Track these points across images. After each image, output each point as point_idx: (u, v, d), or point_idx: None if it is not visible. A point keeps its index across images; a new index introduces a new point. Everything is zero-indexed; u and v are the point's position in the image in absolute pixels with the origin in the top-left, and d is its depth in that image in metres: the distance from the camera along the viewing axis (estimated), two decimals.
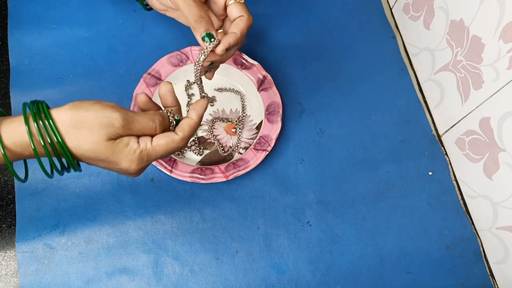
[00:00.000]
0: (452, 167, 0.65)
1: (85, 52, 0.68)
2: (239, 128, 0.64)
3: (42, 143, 0.38)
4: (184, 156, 0.62)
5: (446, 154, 0.66)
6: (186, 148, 0.63)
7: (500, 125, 0.53)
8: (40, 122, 0.37)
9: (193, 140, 0.63)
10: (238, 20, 0.50)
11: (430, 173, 0.64)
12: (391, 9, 0.76)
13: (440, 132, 0.67)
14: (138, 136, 0.41)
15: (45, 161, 0.40)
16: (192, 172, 0.59)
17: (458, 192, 0.64)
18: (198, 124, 0.44)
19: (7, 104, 0.64)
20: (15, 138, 0.38)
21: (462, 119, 0.61)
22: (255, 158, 0.61)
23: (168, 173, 0.59)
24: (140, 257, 0.57)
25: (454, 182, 0.64)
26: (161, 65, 0.65)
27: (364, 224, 0.61)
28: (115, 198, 0.60)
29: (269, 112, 0.64)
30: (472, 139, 0.59)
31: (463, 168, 0.63)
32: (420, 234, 0.61)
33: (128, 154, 0.40)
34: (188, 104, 0.66)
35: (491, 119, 0.55)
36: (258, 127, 0.64)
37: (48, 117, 0.37)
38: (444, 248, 0.60)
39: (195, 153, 0.63)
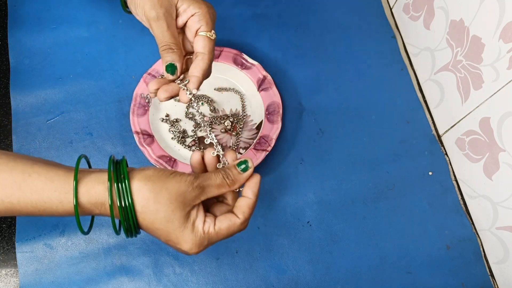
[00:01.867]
0: (452, 167, 0.65)
1: (85, 52, 0.68)
2: (239, 127, 0.64)
3: (118, 205, 0.38)
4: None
5: (446, 154, 0.66)
6: (186, 147, 0.63)
7: (500, 125, 0.53)
8: (119, 185, 0.38)
9: (193, 140, 0.63)
10: (199, 58, 0.47)
11: (430, 173, 0.64)
12: (391, 9, 0.76)
13: (440, 132, 0.67)
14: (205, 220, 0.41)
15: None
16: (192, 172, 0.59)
17: (458, 192, 0.64)
18: (256, 202, 0.44)
19: (7, 104, 0.64)
20: (91, 196, 0.38)
21: (462, 119, 0.61)
22: (255, 158, 0.61)
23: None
24: (140, 257, 0.57)
25: (454, 182, 0.64)
26: (161, 65, 0.65)
27: (364, 224, 0.61)
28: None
29: (269, 112, 0.64)
30: (472, 139, 0.59)
31: (463, 168, 0.63)
32: (420, 234, 0.61)
33: (191, 237, 0.40)
34: (188, 106, 0.66)
35: (491, 119, 0.55)
36: (258, 127, 0.64)
37: (127, 181, 0.38)
38: (444, 248, 0.60)
39: None
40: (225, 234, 0.42)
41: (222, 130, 0.64)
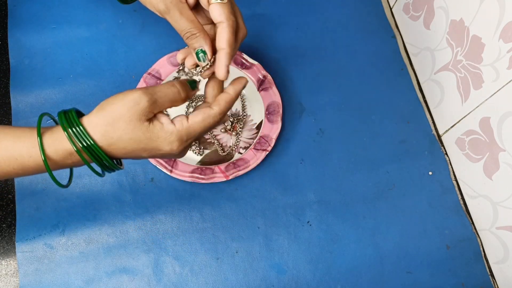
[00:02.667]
0: (452, 167, 0.65)
1: (85, 52, 0.68)
2: (239, 127, 0.64)
3: (75, 149, 0.38)
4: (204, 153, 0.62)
5: (446, 154, 0.66)
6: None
7: (500, 125, 0.53)
8: (73, 130, 0.38)
9: None
10: (219, 29, 0.44)
11: (430, 173, 0.64)
12: (391, 9, 0.76)
13: (440, 132, 0.67)
14: (172, 119, 0.42)
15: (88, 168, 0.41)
16: (192, 172, 0.59)
17: (458, 192, 0.64)
18: (235, 100, 0.43)
19: (7, 104, 0.64)
20: (57, 147, 0.39)
21: (462, 119, 0.61)
22: (255, 158, 0.61)
23: (168, 173, 0.59)
24: (140, 257, 0.57)
25: (454, 182, 0.64)
26: (161, 65, 0.65)
27: (364, 224, 0.61)
28: (115, 198, 0.60)
29: (269, 112, 0.64)
30: (472, 139, 0.59)
31: (463, 168, 0.63)
32: (420, 234, 0.61)
33: (166, 137, 0.40)
34: (188, 105, 0.66)
35: (491, 119, 0.55)
36: (258, 127, 0.64)
37: (78, 123, 0.38)
38: (444, 248, 0.60)
39: (195, 153, 0.63)
40: (201, 126, 0.42)
41: (222, 130, 0.64)
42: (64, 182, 0.43)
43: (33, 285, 0.55)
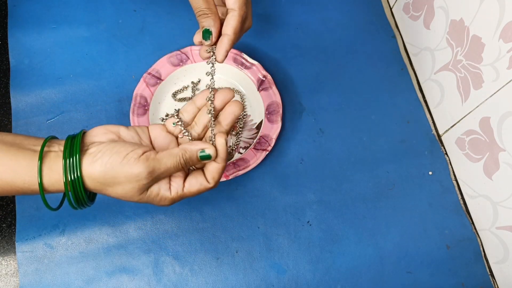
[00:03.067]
0: (452, 167, 0.65)
1: (85, 52, 0.68)
2: (239, 127, 0.64)
3: (64, 180, 0.40)
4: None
5: (446, 153, 0.66)
6: None
7: (500, 124, 0.53)
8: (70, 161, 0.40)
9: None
10: (230, 15, 0.46)
11: (430, 173, 0.64)
12: (391, 9, 0.76)
13: (440, 132, 0.67)
14: (170, 178, 0.44)
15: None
16: None
17: (458, 192, 0.64)
18: (225, 167, 0.45)
19: (7, 104, 0.64)
20: (51, 177, 0.40)
21: (462, 118, 0.61)
22: (255, 158, 0.61)
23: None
24: (140, 257, 0.57)
25: (454, 182, 0.64)
26: (161, 65, 0.65)
27: (364, 224, 0.61)
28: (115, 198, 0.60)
29: (269, 111, 0.64)
30: (472, 139, 0.59)
31: (463, 167, 0.63)
32: (420, 234, 0.61)
33: (160, 201, 0.43)
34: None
35: (491, 118, 0.55)
36: (258, 127, 0.64)
37: (79, 173, 0.40)
38: (444, 248, 0.60)
39: None
40: (193, 194, 0.44)
41: None
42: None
43: (33, 285, 0.55)
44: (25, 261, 0.56)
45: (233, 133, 0.64)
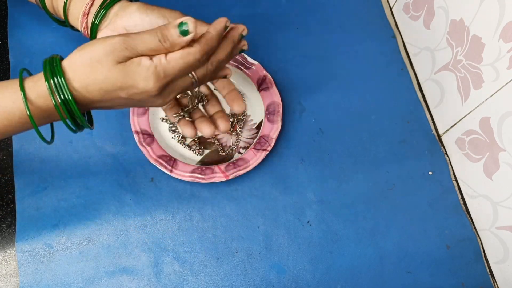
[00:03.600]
0: (452, 167, 0.65)
1: None
2: (239, 127, 0.64)
3: (53, 103, 0.40)
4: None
5: (446, 154, 0.66)
6: (186, 147, 0.63)
7: (500, 124, 0.53)
8: (55, 80, 0.39)
9: (194, 140, 0.63)
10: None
11: (430, 173, 0.64)
12: (391, 9, 0.76)
13: (440, 132, 0.67)
14: (152, 56, 0.41)
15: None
16: (192, 171, 0.59)
17: (458, 192, 0.64)
18: (215, 39, 0.42)
19: None
20: (38, 89, 0.40)
21: (462, 118, 0.61)
22: (255, 158, 0.61)
23: (168, 172, 0.59)
24: (140, 257, 0.57)
25: (454, 182, 0.64)
26: None
27: (364, 224, 0.61)
28: (115, 198, 0.60)
29: (269, 111, 0.64)
30: (472, 139, 0.59)
31: (463, 167, 0.63)
32: (420, 234, 0.61)
33: (141, 72, 0.40)
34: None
35: (491, 118, 0.55)
36: (258, 126, 0.64)
37: (61, 74, 0.39)
38: (444, 248, 0.60)
39: (195, 152, 0.63)
40: (180, 63, 0.40)
41: None
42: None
43: (33, 285, 0.55)
44: (25, 261, 0.56)
45: (233, 133, 0.64)
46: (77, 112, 0.41)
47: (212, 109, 0.55)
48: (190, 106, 0.54)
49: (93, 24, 0.51)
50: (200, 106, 0.55)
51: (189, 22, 0.39)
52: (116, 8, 0.50)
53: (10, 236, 0.57)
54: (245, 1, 0.74)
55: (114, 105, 0.43)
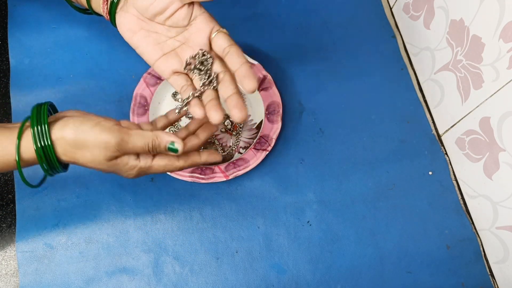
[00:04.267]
0: (452, 167, 0.65)
1: (85, 51, 0.68)
2: (239, 127, 0.64)
3: (34, 148, 0.41)
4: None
5: (446, 153, 0.66)
6: None
7: (500, 124, 0.53)
8: (38, 129, 0.41)
9: None
10: (232, 51, 0.47)
11: (430, 173, 0.64)
12: (391, 9, 0.76)
13: (440, 132, 0.67)
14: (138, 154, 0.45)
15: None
16: (192, 171, 0.59)
17: (458, 192, 0.64)
18: (200, 160, 0.48)
19: (7, 104, 0.64)
20: (24, 151, 0.42)
21: (462, 118, 0.61)
22: (255, 158, 0.61)
23: (168, 172, 0.59)
24: (140, 257, 0.57)
25: (454, 182, 0.64)
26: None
27: (364, 224, 0.61)
28: (115, 198, 0.60)
29: (269, 111, 0.64)
30: (472, 139, 0.59)
31: (463, 167, 0.63)
32: (420, 234, 0.61)
33: (127, 170, 0.45)
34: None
35: (491, 118, 0.55)
36: (258, 126, 0.64)
37: (51, 149, 0.41)
38: (444, 247, 0.60)
39: None
40: (161, 170, 0.46)
41: (222, 130, 0.64)
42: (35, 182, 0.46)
43: (33, 285, 0.55)
44: (25, 261, 0.56)
45: (233, 133, 0.64)
46: (56, 165, 0.43)
47: (226, 91, 0.47)
48: (198, 91, 0.48)
49: (110, 9, 0.51)
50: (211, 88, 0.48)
51: (179, 146, 0.44)
52: None
53: (10, 236, 0.57)
54: (245, 1, 0.74)
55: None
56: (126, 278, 0.56)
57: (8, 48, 0.68)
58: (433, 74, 0.66)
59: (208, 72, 0.47)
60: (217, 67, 0.48)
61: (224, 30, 0.48)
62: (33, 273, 0.55)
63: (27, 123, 0.42)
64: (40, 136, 0.41)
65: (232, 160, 0.62)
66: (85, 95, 0.65)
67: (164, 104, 0.65)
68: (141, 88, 0.64)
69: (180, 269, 0.57)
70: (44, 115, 0.42)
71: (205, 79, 0.47)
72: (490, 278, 0.60)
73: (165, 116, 0.50)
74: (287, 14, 0.74)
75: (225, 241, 0.59)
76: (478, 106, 0.57)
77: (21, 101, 0.64)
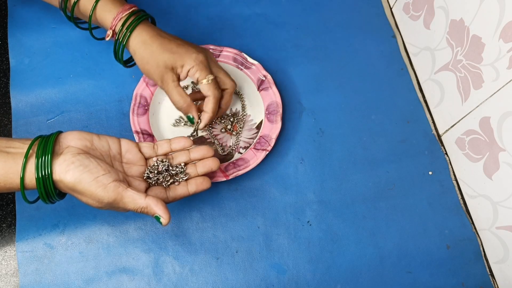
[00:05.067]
0: (452, 167, 0.65)
1: (85, 51, 0.68)
2: (239, 127, 0.64)
3: (36, 176, 0.44)
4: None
5: (446, 153, 0.66)
6: None
7: (500, 124, 0.53)
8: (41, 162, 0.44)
9: (194, 140, 0.63)
10: (207, 100, 0.57)
11: (430, 173, 0.64)
12: (391, 9, 0.76)
13: (440, 132, 0.67)
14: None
15: None
16: None
17: (458, 192, 0.64)
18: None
19: (7, 104, 0.64)
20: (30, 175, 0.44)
21: (462, 118, 0.61)
22: (255, 158, 0.61)
23: None
24: (140, 257, 0.57)
25: (454, 182, 0.64)
26: None
27: (364, 224, 0.61)
28: None
29: (269, 111, 0.64)
30: (472, 139, 0.59)
31: (463, 167, 0.63)
32: (420, 233, 0.61)
33: (121, 210, 0.48)
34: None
35: (491, 118, 0.55)
36: (258, 126, 0.64)
37: (50, 176, 0.44)
38: (444, 247, 0.60)
39: None
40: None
41: (222, 130, 0.64)
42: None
43: (33, 285, 0.55)
44: (25, 261, 0.56)
45: (234, 133, 0.64)
46: (54, 196, 0.46)
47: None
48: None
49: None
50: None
51: (163, 221, 0.47)
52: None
53: (10, 236, 0.57)
54: (245, 1, 0.74)
55: None
56: (126, 278, 0.56)
57: (8, 48, 0.68)
58: (433, 74, 0.66)
59: (172, 170, 0.53)
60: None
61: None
62: (33, 273, 0.55)
63: (31, 150, 0.45)
64: (42, 167, 0.44)
65: (232, 160, 0.62)
66: (85, 95, 0.65)
67: (164, 104, 0.65)
68: (141, 88, 0.64)
69: (180, 269, 0.57)
70: (50, 147, 0.44)
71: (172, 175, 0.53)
72: (490, 278, 0.60)
73: (169, 142, 0.54)
74: (287, 14, 0.74)
75: (225, 241, 0.59)
76: (478, 106, 0.57)
77: (21, 101, 0.64)
